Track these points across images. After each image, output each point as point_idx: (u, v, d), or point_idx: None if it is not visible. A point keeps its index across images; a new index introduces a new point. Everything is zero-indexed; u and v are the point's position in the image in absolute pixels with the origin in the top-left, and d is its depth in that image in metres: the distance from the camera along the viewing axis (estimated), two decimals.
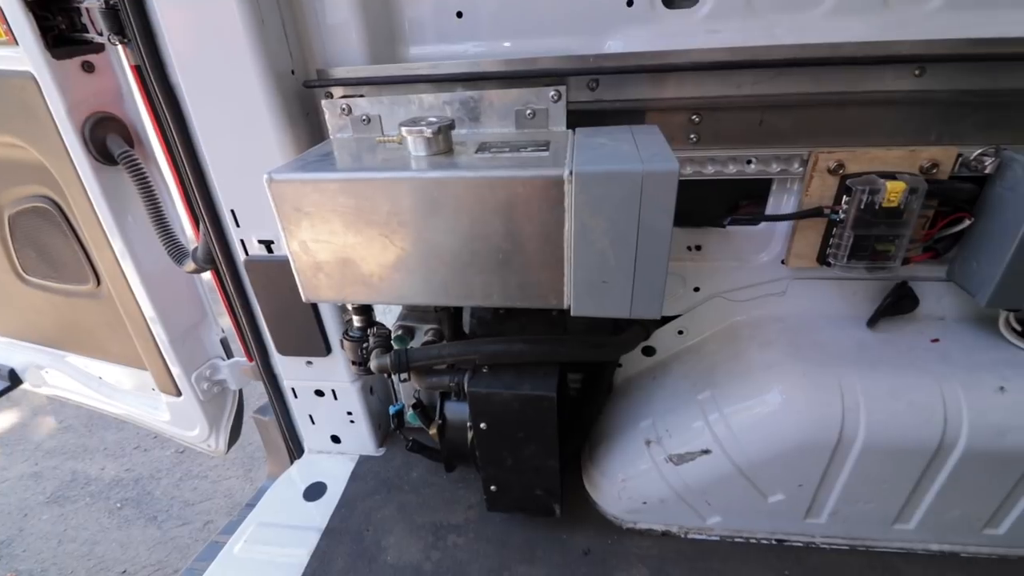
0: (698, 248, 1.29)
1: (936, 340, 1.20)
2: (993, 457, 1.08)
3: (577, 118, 1.06)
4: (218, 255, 1.30)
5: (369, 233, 0.90)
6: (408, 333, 1.30)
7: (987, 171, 1.03)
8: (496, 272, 0.91)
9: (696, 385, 1.29)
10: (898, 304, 1.23)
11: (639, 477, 1.28)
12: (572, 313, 0.92)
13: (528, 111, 1.03)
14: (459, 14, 1.16)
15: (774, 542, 1.29)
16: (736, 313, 1.34)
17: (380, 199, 0.87)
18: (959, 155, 1.03)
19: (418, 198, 0.87)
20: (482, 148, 0.95)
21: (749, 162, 1.11)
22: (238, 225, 1.25)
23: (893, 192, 1.00)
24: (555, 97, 1.01)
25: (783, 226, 1.21)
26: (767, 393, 1.15)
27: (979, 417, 1.06)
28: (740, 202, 1.31)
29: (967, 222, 1.08)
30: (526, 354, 1.08)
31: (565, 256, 0.86)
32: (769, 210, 1.20)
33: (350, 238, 0.91)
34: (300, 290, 1.00)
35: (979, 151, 1.01)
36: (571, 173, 0.79)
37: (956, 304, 1.23)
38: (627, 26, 1.10)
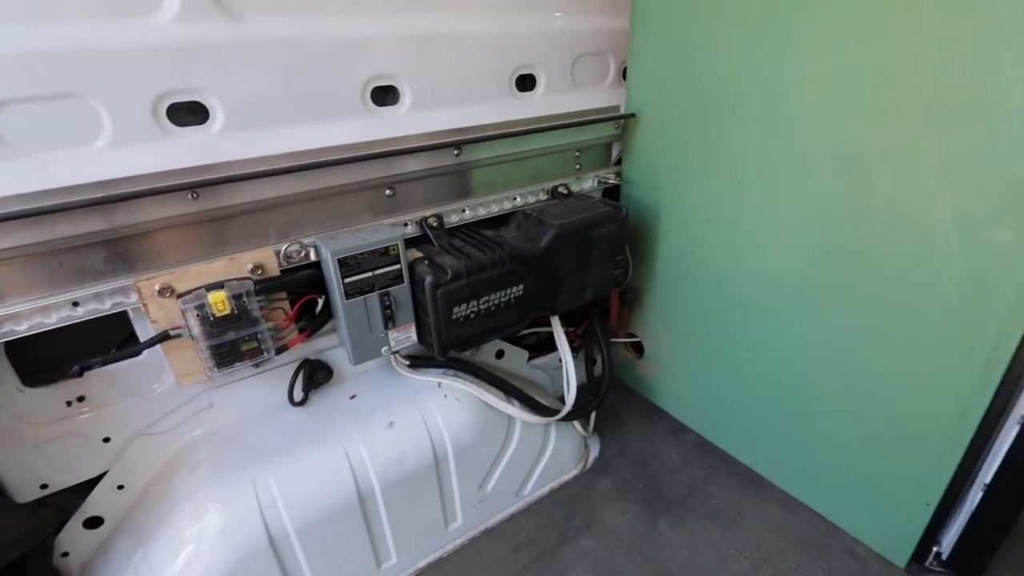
0: (81, 399, 1.14)
1: (353, 396, 1.37)
2: (407, 479, 1.29)
3: None
4: None
5: None
6: None
7: (314, 258, 1.22)
8: None
9: (133, 545, 1.14)
10: (315, 377, 1.36)
11: None
12: None
13: None
14: None
15: None
16: (170, 444, 1.25)
17: None
18: (278, 252, 1.18)
19: None
20: None
21: (76, 304, 1.02)
22: None
23: (217, 301, 1.07)
24: None
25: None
26: (189, 528, 1.09)
27: (379, 457, 1.24)
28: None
29: (320, 301, 1.26)
30: None
31: None
32: (142, 340, 1.15)
33: None
34: None
35: (287, 245, 1.18)
36: None
37: None
38: None
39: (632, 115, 1.61)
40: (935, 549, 1.27)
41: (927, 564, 1.30)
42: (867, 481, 1.32)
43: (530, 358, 1.85)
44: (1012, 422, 1.07)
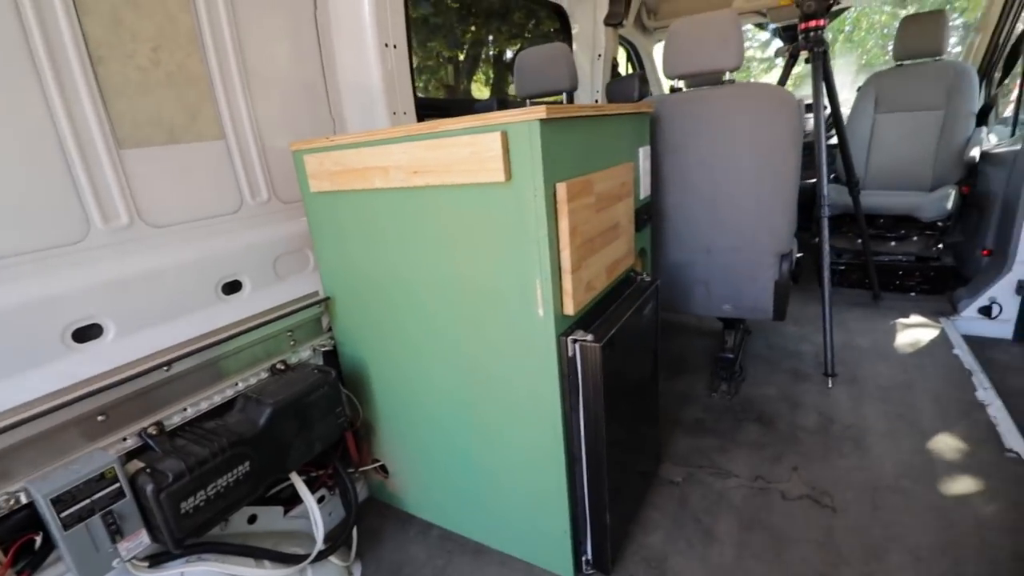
0: None
1: None
2: None
3: None
4: None
5: None
6: None
7: (25, 501, 1.34)
8: None
9: None
10: None
11: None
12: None
13: None
14: None
15: None
16: None
17: None
18: None
19: None
20: None
21: None
22: None
23: None
24: None
25: None
26: None
27: None
28: None
29: (38, 538, 1.36)
30: None
31: None
32: None
33: None
34: None
35: None
36: None
37: None
38: None
39: (328, 298, 2.08)
40: (584, 557, 1.87)
41: (584, 571, 1.89)
42: (536, 525, 1.89)
43: (288, 510, 2.08)
44: (582, 467, 1.73)
